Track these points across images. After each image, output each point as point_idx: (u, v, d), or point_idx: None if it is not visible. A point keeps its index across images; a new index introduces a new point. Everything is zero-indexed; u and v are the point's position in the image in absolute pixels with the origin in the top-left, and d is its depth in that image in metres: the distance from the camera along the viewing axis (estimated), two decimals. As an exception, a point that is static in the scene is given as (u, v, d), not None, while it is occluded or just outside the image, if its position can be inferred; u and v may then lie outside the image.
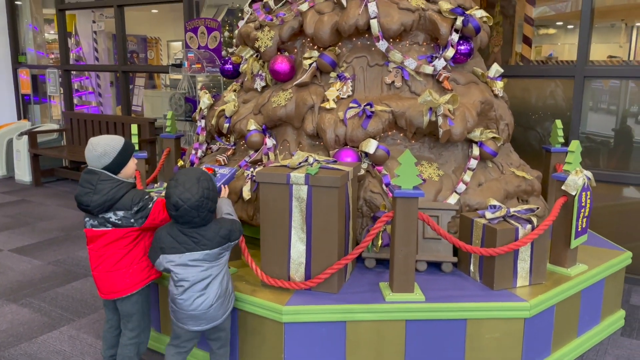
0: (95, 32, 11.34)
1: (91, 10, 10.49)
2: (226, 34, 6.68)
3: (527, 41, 5.41)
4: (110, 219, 2.37)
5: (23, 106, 8.75)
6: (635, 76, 4.05)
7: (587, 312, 2.99)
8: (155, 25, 13.67)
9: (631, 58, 8.25)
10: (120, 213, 2.36)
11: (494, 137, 3.21)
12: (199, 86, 6.04)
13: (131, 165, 2.46)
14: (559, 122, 3.77)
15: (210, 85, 6.45)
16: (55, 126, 8.02)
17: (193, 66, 5.74)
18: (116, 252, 2.43)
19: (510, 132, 3.45)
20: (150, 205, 2.40)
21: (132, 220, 2.38)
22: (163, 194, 2.42)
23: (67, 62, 7.89)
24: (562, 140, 3.77)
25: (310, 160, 2.71)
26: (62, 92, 8.15)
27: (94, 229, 2.42)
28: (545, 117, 4.80)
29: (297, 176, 2.55)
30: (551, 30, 7.37)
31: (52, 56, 11.97)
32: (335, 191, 2.52)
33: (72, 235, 5.09)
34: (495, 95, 3.42)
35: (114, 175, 2.38)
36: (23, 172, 7.41)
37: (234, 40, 4.12)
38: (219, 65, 5.69)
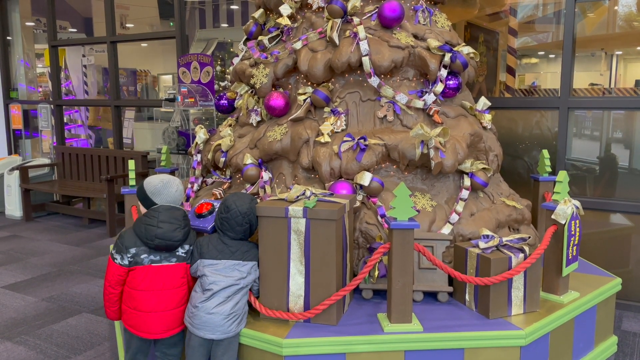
0: (85, 66, 11.46)
1: (81, 45, 10.62)
2: (218, 68, 6.82)
3: (510, 71, 5.59)
4: (177, 253, 2.54)
5: (14, 141, 8.77)
6: (618, 107, 4.20)
7: (580, 339, 3.05)
8: (145, 58, 13.85)
9: (612, 85, 8.51)
10: (187, 247, 2.57)
11: (484, 168, 3.30)
12: (192, 119, 6.13)
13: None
14: (545, 152, 3.89)
15: (203, 118, 6.55)
16: (47, 160, 8.04)
17: (186, 100, 5.83)
18: (181, 288, 2.56)
19: (499, 163, 3.56)
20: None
21: (188, 256, 2.59)
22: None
23: (59, 97, 7.95)
24: (549, 169, 3.88)
25: (308, 193, 2.77)
26: (53, 126, 8.19)
27: (154, 264, 2.49)
28: (532, 147, 4.93)
29: (296, 209, 2.61)
30: (533, 60, 7.60)
31: (41, 89, 12.03)
32: (333, 224, 2.57)
33: (65, 271, 5.07)
34: (484, 128, 3.53)
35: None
36: (14, 207, 7.39)
37: (228, 76, 4.23)
38: (211, 99, 5.80)
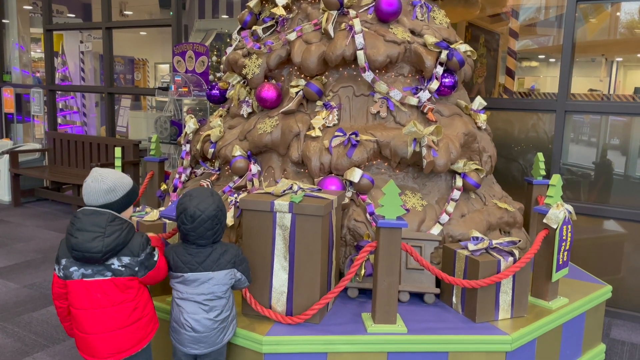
0: (82, 52, 11.34)
1: (79, 30, 10.51)
2: (214, 58, 6.73)
3: (510, 73, 5.53)
4: (113, 266, 2.07)
5: (5, 125, 8.66)
6: (615, 112, 4.14)
7: (568, 346, 2.99)
8: (144, 47, 13.74)
9: (611, 92, 8.45)
10: (126, 259, 2.08)
11: (477, 169, 3.24)
12: (185, 109, 6.05)
13: (130, 210, 2.22)
14: (540, 155, 3.83)
15: (197, 108, 6.47)
16: (38, 146, 7.94)
17: (180, 90, 5.75)
18: (123, 305, 2.12)
19: (493, 164, 3.50)
20: (156, 257, 2.18)
21: (136, 269, 2.12)
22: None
23: (52, 82, 7.85)
24: (543, 172, 3.83)
25: (295, 188, 2.70)
26: (45, 111, 8.09)
27: (86, 279, 2.06)
28: (527, 149, 4.87)
29: (281, 204, 2.54)
30: (534, 63, 7.55)
31: (39, 74, 11.91)
32: (319, 220, 2.51)
33: (49, 258, 4.99)
34: (479, 128, 3.46)
35: (120, 216, 2.12)
36: (2, 192, 7.29)
37: (222, 66, 4.14)
38: (206, 89, 5.72)
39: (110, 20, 6.89)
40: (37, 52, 11.34)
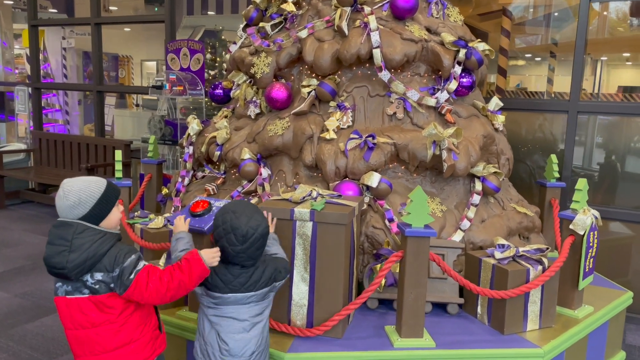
0: (64, 49, 11.04)
1: (61, 26, 10.20)
2: (208, 56, 6.54)
3: (502, 72, 5.43)
4: (87, 283, 1.82)
5: (-13, 124, 8.37)
6: (628, 112, 4.07)
7: (592, 356, 2.90)
8: (128, 43, 13.44)
9: (596, 90, 8.47)
10: (99, 275, 1.81)
11: (495, 172, 3.13)
12: (179, 108, 5.85)
13: (115, 215, 1.93)
14: (554, 157, 3.73)
15: (190, 107, 6.27)
16: (23, 146, 7.67)
17: (174, 88, 5.55)
18: (107, 328, 1.87)
19: (510, 167, 3.39)
20: (132, 276, 1.83)
21: (111, 286, 1.84)
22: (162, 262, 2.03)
23: (37, 80, 7.57)
24: (557, 175, 3.73)
25: (314, 194, 2.56)
26: (30, 110, 7.81)
27: (67, 296, 1.84)
28: (533, 150, 4.78)
29: (302, 212, 2.39)
30: (520, 62, 7.50)
31: (18, 71, 11.56)
32: (342, 228, 2.37)
33: (40, 264, 4.77)
34: (496, 129, 3.35)
35: (94, 226, 1.86)
36: (-14, 194, 7.00)
37: (222, 65, 3.98)
38: (201, 88, 5.53)
39: (99, 16, 6.65)
40: (16, 49, 10.99)
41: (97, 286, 1.82)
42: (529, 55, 7.25)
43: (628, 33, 5.77)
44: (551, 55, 6.09)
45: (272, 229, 2.33)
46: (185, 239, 2.15)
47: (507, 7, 5.38)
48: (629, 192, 4.59)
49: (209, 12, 10.18)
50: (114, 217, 1.93)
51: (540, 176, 4.53)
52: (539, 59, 7.20)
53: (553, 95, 5.77)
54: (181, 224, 2.22)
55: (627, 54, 7.45)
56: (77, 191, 1.84)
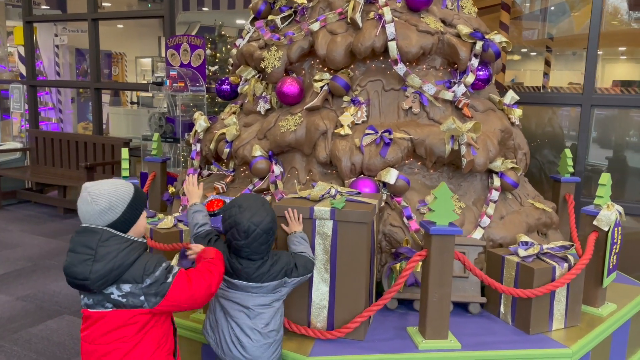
0: (57, 46, 10.88)
1: (53, 23, 10.05)
2: (208, 52, 6.42)
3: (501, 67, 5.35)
4: (112, 296, 1.69)
5: (-18, 123, 8.21)
6: (642, 106, 4.01)
7: (615, 354, 2.83)
8: (121, 40, 13.28)
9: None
10: (127, 287, 1.69)
11: (513, 167, 3.05)
12: (179, 105, 5.73)
13: (142, 222, 1.82)
14: (568, 152, 3.67)
15: (191, 104, 6.15)
16: (19, 145, 7.53)
17: (175, 85, 5.44)
18: (119, 347, 1.72)
19: (527, 162, 3.32)
20: (170, 279, 1.73)
21: (141, 298, 1.70)
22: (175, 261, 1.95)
23: (32, 77, 7.43)
24: (571, 169, 3.66)
25: (333, 192, 2.47)
26: (26, 108, 7.66)
27: (89, 309, 1.73)
28: (542, 145, 4.72)
29: (322, 210, 2.30)
30: (516, 57, 7.45)
31: (11, 69, 11.39)
32: (364, 227, 2.28)
33: (40, 266, 4.66)
34: (512, 123, 3.27)
35: (121, 233, 1.74)
36: (-18, 194, 6.87)
37: (231, 60, 3.88)
38: (202, 84, 5.43)
39: (95, 11, 6.51)
40: (8, 46, 10.82)
41: (124, 299, 1.69)
42: (525, 50, 7.21)
43: (622, 27, 5.73)
44: (547, 49, 6.04)
45: (299, 227, 2.29)
46: (203, 212, 2.21)
47: (506, 1, 5.31)
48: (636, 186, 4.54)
49: (204, 8, 10.06)
50: (142, 224, 1.82)
51: (550, 171, 4.47)
52: (534, 53, 7.16)
53: (549, 89, 5.72)
54: (195, 191, 2.23)
55: (622, 48, 7.43)
56: (107, 195, 1.72)
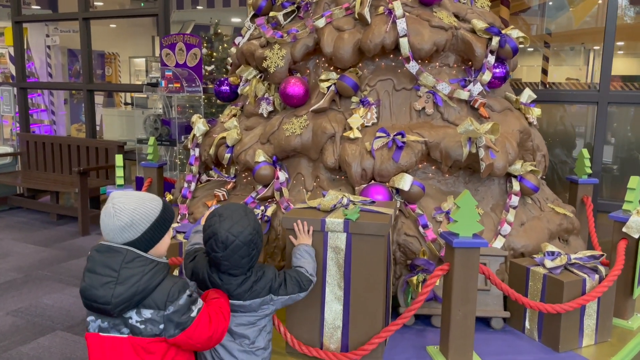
0: (48, 47, 10.64)
1: (44, 23, 9.82)
2: (204, 51, 6.22)
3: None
4: (130, 321, 1.58)
5: (-29, 126, 7.98)
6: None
7: (645, 368, 2.66)
8: (114, 40, 13.06)
9: (589, 80, 8.29)
10: (147, 313, 1.57)
11: (532, 170, 2.88)
12: (175, 106, 5.53)
13: (166, 242, 1.71)
14: (585, 151, 3.49)
15: (187, 105, 5.95)
16: (9, 149, 7.30)
17: (170, 85, 5.23)
18: None
19: (546, 164, 3.14)
20: (195, 313, 1.61)
21: (160, 327, 1.58)
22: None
23: (23, 79, 7.20)
24: (589, 170, 3.49)
25: (345, 201, 2.28)
26: (16, 111, 7.44)
27: (102, 333, 1.61)
28: (554, 144, 4.55)
29: (335, 222, 2.12)
30: None
31: (1, 71, 11.15)
32: (381, 240, 2.10)
33: (33, 277, 4.45)
34: (529, 123, 3.09)
35: (145, 254, 1.62)
36: (-29, 201, 6.65)
37: (229, 59, 3.68)
38: (199, 84, 5.23)
39: (87, 10, 6.30)
40: (-1, 48, 10.59)
41: (142, 326, 1.58)
42: (521, 45, 7.07)
43: (621, 22, 5.59)
44: (545, 45, 5.89)
45: (308, 241, 2.10)
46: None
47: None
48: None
49: (198, 7, 9.84)
50: (165, 244, 1.70)
51: (563, 171, 4.29)
52: (531, 49, 7.02)
53: (547, 86, 5.56)
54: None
55: (620, 43, 7.29)
56: (131, 211, 1.60)
